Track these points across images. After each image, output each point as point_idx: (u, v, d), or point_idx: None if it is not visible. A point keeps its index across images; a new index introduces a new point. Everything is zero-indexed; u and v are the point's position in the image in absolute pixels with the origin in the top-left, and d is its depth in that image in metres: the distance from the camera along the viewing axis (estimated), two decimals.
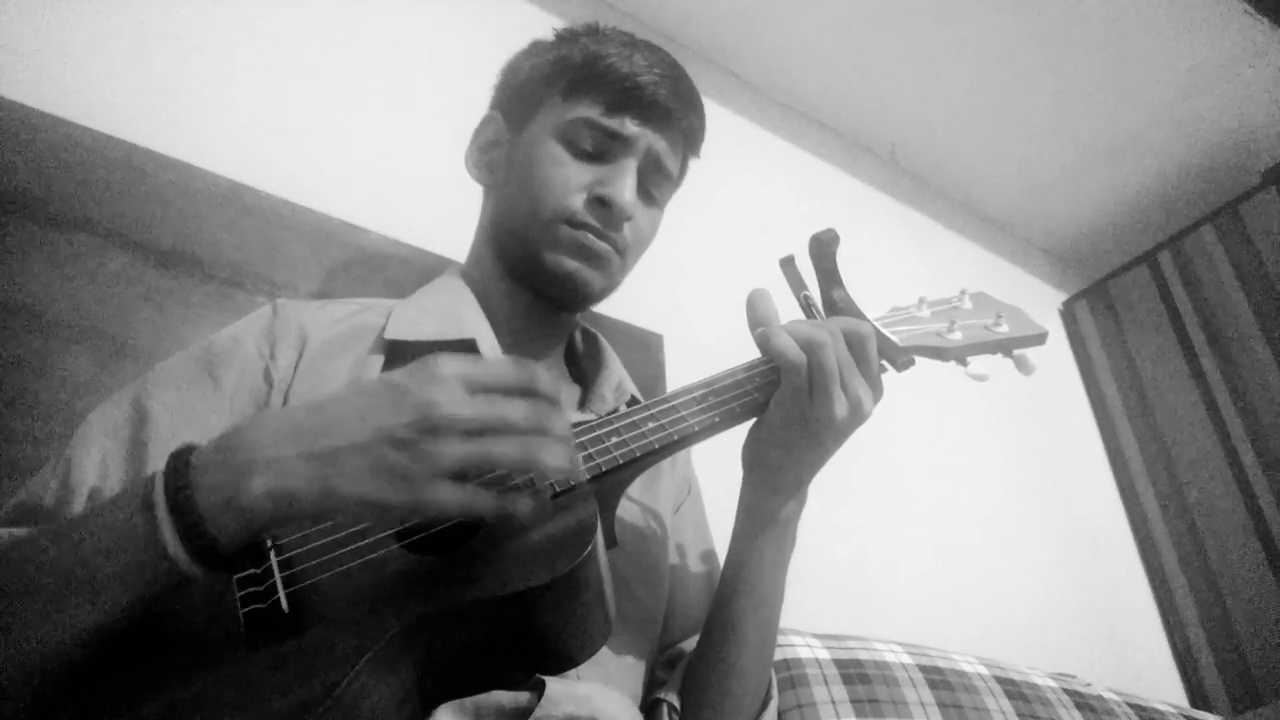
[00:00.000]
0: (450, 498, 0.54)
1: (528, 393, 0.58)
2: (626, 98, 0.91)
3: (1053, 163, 2.45)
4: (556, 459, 0.57)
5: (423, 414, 0.54)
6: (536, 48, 1.01)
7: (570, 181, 0.89)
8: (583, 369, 1.01)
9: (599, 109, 0.91)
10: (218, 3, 1.36)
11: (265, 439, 0.55)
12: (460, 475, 0.55)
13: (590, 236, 0.89)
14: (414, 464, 0.53)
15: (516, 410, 0.56)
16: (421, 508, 0.54)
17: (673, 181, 0.98)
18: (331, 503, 0.54)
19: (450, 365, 0.56)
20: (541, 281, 0.91)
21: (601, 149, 0.91)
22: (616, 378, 0.97)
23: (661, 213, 0.99)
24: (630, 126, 0.91)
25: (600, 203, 0.89)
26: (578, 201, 0.89)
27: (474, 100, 1.07)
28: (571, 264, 0.89)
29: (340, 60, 1.46)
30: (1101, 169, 2.48)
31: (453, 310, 0.91)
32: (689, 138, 0.98)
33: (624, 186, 0.89)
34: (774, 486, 0.80)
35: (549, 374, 0.93)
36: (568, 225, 0.89)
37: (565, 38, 0.99)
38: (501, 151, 0.98)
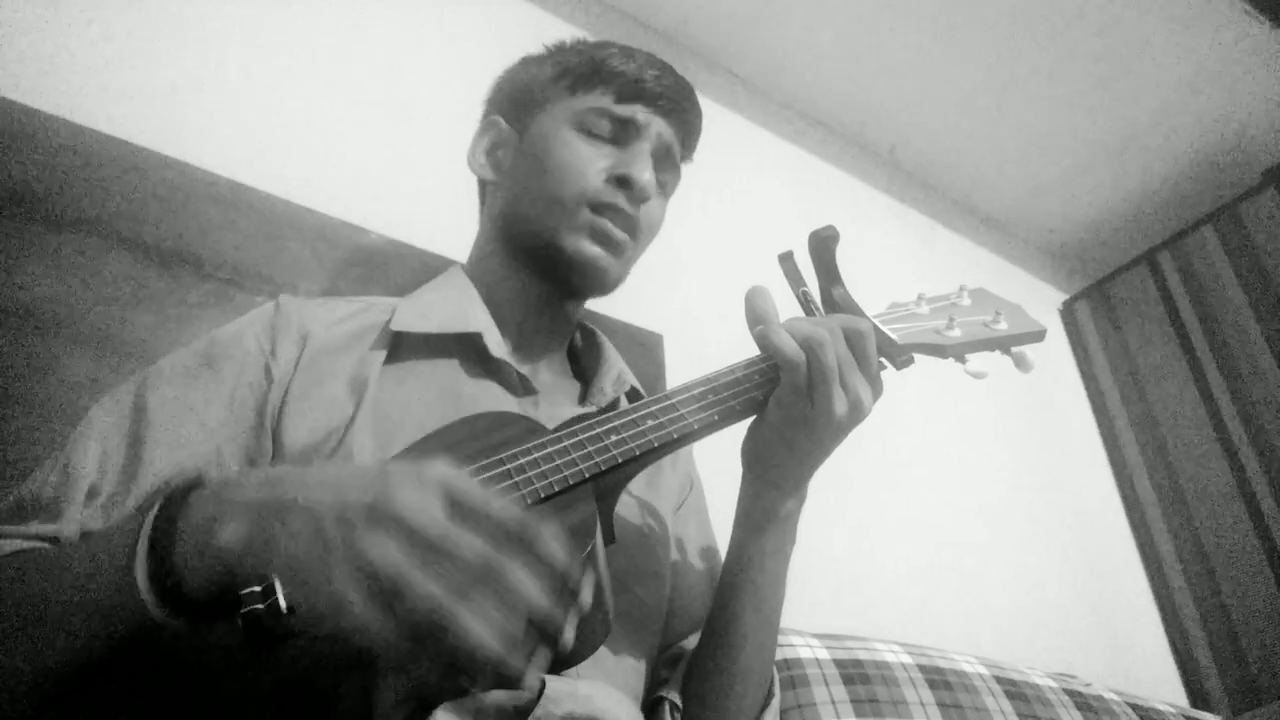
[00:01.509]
0: (350, 605, 0.45)
1: (521, 540, 0.48)
2: (635, 89, 0.93)
3: (1053, 163, 2.45)
4: (482, 636, 0.45)
5: (377, 500, 0.48)
6: (530, 60, 1.03)
7: (589, 164, 0.91)
8: (582, 364, 1.02)
9: (610, 98, 0.93)
10: (218, 3, 1.36)
11: (250, 485, 0.52)
12: (385, 589, 0.46)
13: (610, 225, 0.90)
14: (340, 547, 0.47)
15: (470, 547, 0.47)
16: (324, 594, 0.46)
17: (678, 173, 1.01)
18: (268, 557, 0.49)
19: (441, 471, 0.50)
20: (560, 266, 0.91)
21: (616, 135, 0.93)
22: (616, 370, 0.98)
23: (667, 204, 1.01)
24: (642, 114, 0.94)
25: (620, 182, 0.90)
26: (598, 181, 0.90)
27: (474, 100, 1.07)
28: (592, 249, 0.90)
29: (340, 60, 1.46)
30: (1101, 169, 2.48)
31: (458, 305, 0.91)
32: (689, 133, 1.00)
33: (644, 166, 0.91)
34: (774, 483, 0.80)
35: (543, 368, 0.95)
36: (590, 209, 0.90)
37: (558, 48, 1.01)
38: (508, 150, 0.99)
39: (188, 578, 0.51)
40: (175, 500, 0.53)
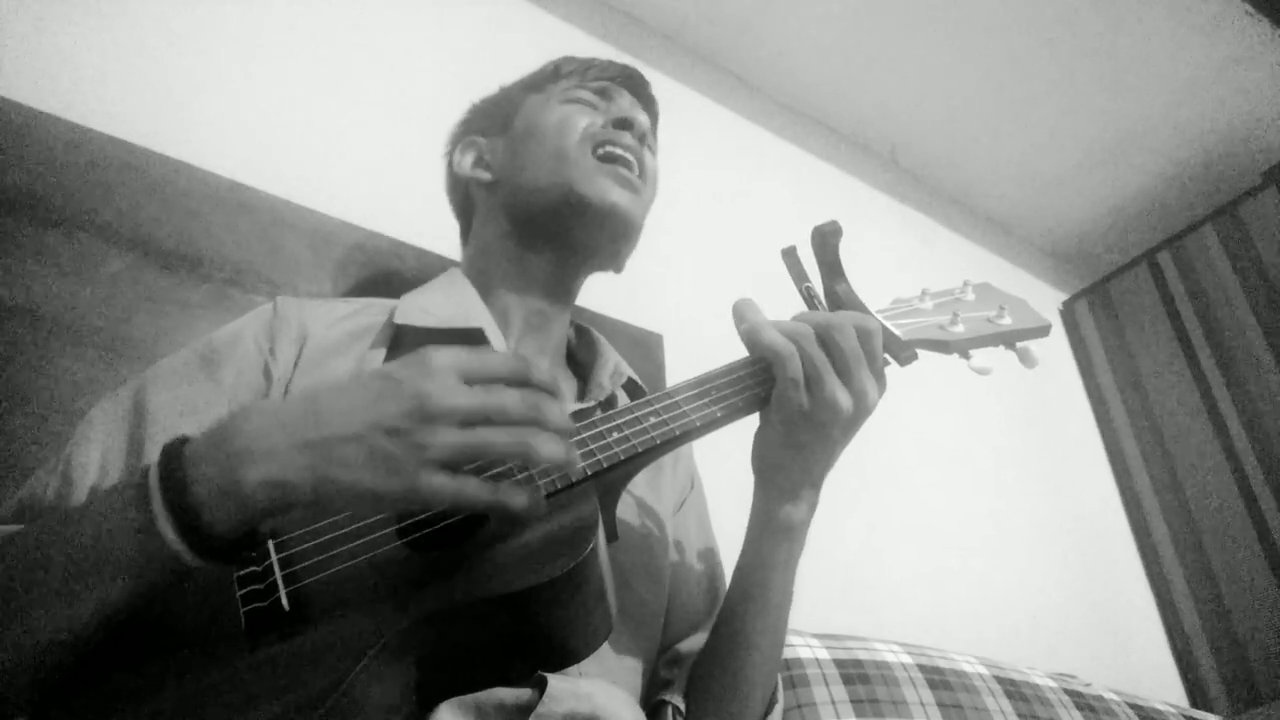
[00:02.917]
0: (443, 487, 0.54)
1: (524, 383, 0.58)
2: (595, 72, 1.02)
3: (1052, 163, 2.45)
4: (551, 449, 0.57)
5: (417, 403, 0.54)
6: (487, 95, 1.10)
7: (584, 118, 0.97)
8: (580, 361, 1.02)
9: (575, 80, 1.01)
10: (218, 3, 1.36)
11: (260, 429, 0.55)
12: (456, 466, 0.55)
13: (622, 170, 0.94)
14: (407, 452, 0.54)
15: (511, 399, 0.57)
16: (413, 496, 0.54)
17: (655, 143, 1.06)
18: (325, 491, 0.54)
19: (444, 356, 0.57)
20: (586, 216, 0.93)
21: (597, 101, 1.00)
22: (612, 364, 0.98)
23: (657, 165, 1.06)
24: (610, 86, 1.01)
25: (617, 124, 0.96)
26: (596, 127, 0.96)
27: (475, 100, 1.07)
28: (616, 192, 0.93)
29: (340, 60, 1.46)
30: (1101, 169, 2.48)
31: (460, 303, 0.92)
32: (651, 115, 1.05)
33: (636, 110, 1.00)
34: (786, 490, 0.80)
35: (545, 364, 0.95)
36: (598, 154, 0.94)
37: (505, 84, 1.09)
38: (496, 152, 1.01)
39: (213, 522, 0.54)
40: (171, 456, 0.56)
